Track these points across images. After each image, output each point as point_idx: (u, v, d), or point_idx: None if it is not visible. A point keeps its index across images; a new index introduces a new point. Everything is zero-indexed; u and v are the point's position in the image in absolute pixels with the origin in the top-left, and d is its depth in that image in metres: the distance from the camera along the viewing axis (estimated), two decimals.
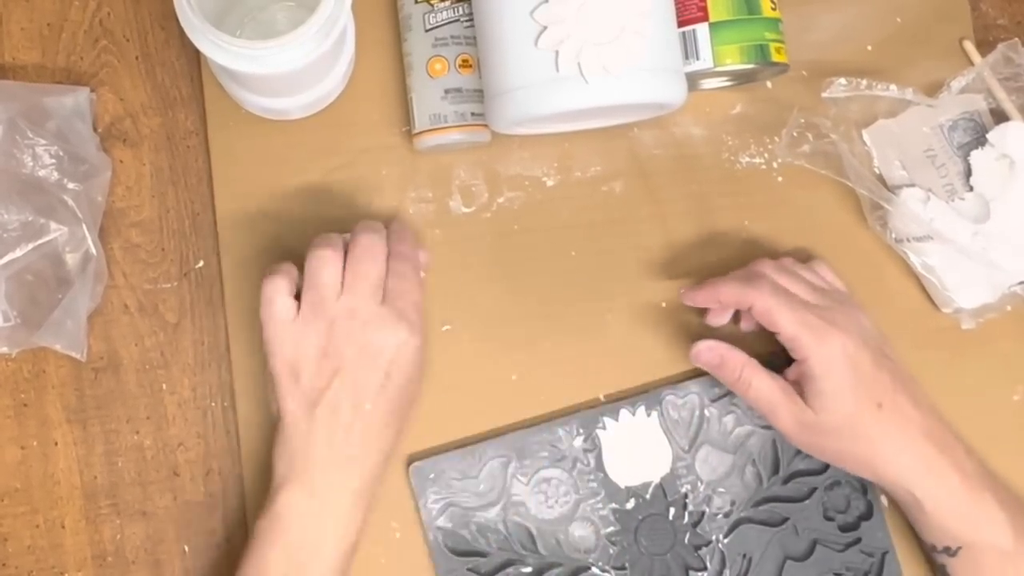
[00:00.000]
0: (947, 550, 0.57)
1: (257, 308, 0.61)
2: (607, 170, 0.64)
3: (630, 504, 0.60)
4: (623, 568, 0.60)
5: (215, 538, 0.60)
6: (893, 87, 0.62)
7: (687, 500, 0.61)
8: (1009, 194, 0.61)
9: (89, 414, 0.61)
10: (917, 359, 0.62)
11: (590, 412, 0.61)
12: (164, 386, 0.61)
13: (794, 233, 0.64)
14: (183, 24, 0.52)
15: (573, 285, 0.63)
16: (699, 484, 0.61)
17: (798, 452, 0.61)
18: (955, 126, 0.62)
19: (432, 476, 0.60)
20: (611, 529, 0.60)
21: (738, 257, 0.63)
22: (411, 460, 0.60)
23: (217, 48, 0.52)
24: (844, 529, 0.61)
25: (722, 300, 0.59)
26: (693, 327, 0.63)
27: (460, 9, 0.60)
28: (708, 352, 0.59)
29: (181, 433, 0.61)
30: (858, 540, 0.61)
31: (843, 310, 0.58)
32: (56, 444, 0.60)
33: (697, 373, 0.62)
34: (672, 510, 0.61)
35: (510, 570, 0.59)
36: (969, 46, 0.64)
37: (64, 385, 0.61)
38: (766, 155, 0.64)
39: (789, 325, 0.56)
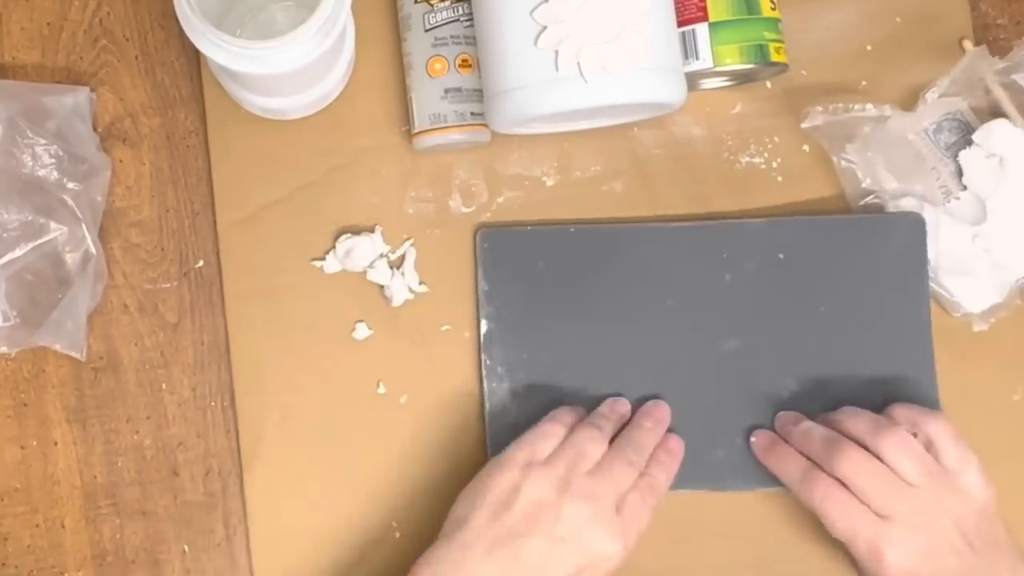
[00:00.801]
0: None
1: (257, 308, 0.61)
2: (607, 170, 0.64)
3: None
4: None
5: (215, 538, 0.60)
6: (869, 106, 0.61)
7: None
8: (1003, 191, 0.60)
9: (89, 414, 0.61)
10: None
11: None
12: (164, 386, 0.61)
13: None
14: (183, 24, 0.52)
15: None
16: None
17: None
18: (939, 128, 0.62)
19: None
20: None
21: None
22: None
23: (217, 48, 0.52)
24: None
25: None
26: None
27: (460, 9, 0.60)
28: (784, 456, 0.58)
29: (181, 433, 0.61)
30: None
31: (934, 496, 0.54)
32: (56, 444, 0.60)
33: None
34: None
35: None
36: (969, 46, 0.64)
37: (64, 385, 0.61)
38: (766, 155, 0.64)
39: (838, 531, 0.54)
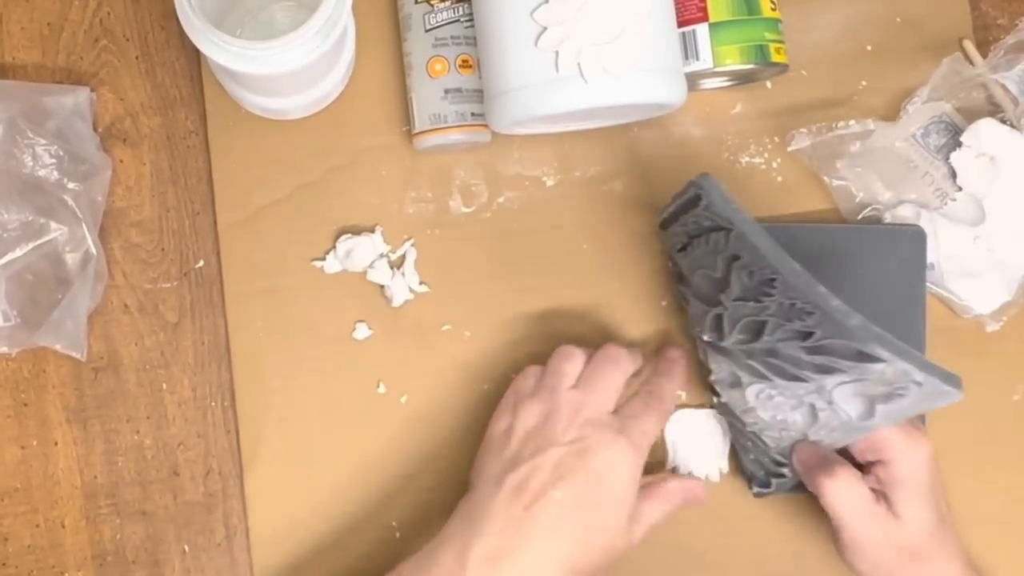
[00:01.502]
0: None
1: (257, 308, 0.61)
2: (607, 170, 0.64)
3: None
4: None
5: (215, 538, 0.60)
6: (853, 123, 0.61)
7: None
8: (997, 189, 0.60)
9: (89, 414, 0.61)
10: None
11: None
12: (164, 386, 0.61)
13: None
14: (183, 24, 0.52)
15: (573, 285, 0.63)
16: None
17: None
18: (927, 132, 0.62)
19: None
20: None
21: None
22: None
23: (217, 48, 0.52)
24: None
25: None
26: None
27: (460, 9, 0.60)
28: (808, 452, 0.56)
29: (181, 433, 0.61)
30: None
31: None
32: (56, 444, 0.60)
33: None
34: None
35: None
36: (969, 45, 0.64)
37: (64, 385, 0.61)
38: (766, 155, 0.64)
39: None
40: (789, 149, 0.62)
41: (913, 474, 0.54)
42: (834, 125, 0.61)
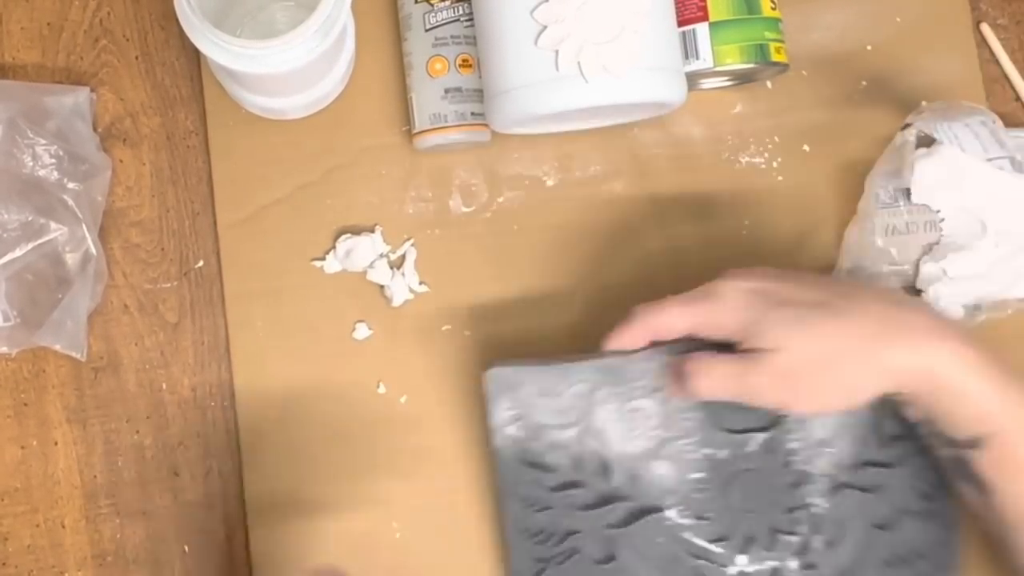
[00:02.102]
0: (972, 442, 0.51)
1: (257, 308, 0.61)
2: (607, 170, 0.64)
3: (724, 453, 0.55)
4: (703, 518, 0.55)
5: (215, 538, 0.60)
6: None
7: (792, 457, 0.55)
8: (965, 199, 0.60)
9: (89, 414, 0.61)
10: None
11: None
12: (164, 386, 0.61)
13: (794, 233, 0.64)
14: (183, 24, 0.52)
15: (573, 285, 0.63)
16: (809, 442, 0.55)
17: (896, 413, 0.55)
18: (880, 200, 0.61)
19: (510, 386, 0.56)
20: (699, 475, 0.55)
21: (738, 257, 0.63)
22: (490, 365, 0.57)
23: (217, 48, 0.52)
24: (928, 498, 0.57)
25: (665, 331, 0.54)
26: None
27: (460, 9, 0.60)
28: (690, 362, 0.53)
29: (181, 433, 0.61)
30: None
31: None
32: (56, 444, 0.60)
33: None
34: (773, 467, 0.55)
35: (574, 491, 0.55)
36: (987, 30, 0.64)
37: (64, 385, 0.61)
38: (766, 155, 0.64)
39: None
40: None
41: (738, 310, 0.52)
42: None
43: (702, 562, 0.55)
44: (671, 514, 0.55)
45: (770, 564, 0.55)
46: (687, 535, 0.55)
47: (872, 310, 0.51)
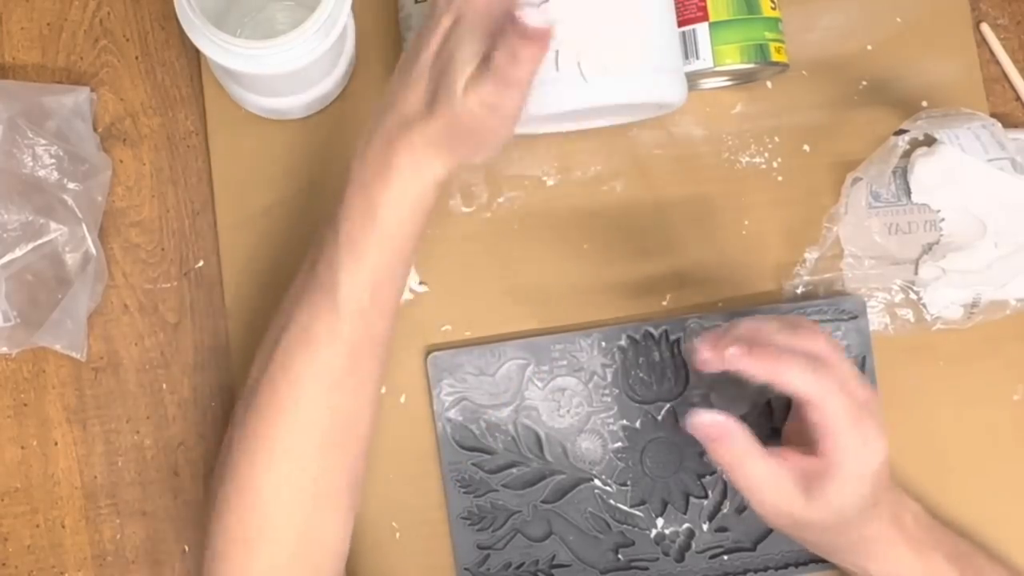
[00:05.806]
0: None
1: (257, 307, 0.61)
2: (607, 170, 0.64)
3: (639, 423, 0.60)
4: (625, 484, 0.60)
5: None
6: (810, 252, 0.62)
7: None
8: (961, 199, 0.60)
9: (89, 414, 0.61)
10: (917, 358, 0.62)
11: (613, 328, 0.61)
12: (164, 386, 0.61)
13: (794, 233, 0.64)
14: (183, 24, 0.52)
15: (573, 285, 0.63)
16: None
17: None
18: (881, 198, 0.61)
19: (449, 368, 0.60)
20: (618, 445, 0.60)
21: (738, 257, 0.63)
22: (430, 351, 0.60)
23: (217, 48, 0.52)
24: None
25: (782, 382, 0.49)
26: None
27: None
28: (712, 427, 0.50)
29: (181, 433, 0.61)
30: None
31: (877, 403, 0.51)
32: (56, 444, 0.60)
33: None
34: (682, 435, 0.57)
35: (513, 471, 0.60)
36: (987, 30, 0.64)
37: (64, 385, 0.61)
38: (766, 155, 0.64)
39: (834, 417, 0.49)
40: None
41: (855, 476, 0.49)
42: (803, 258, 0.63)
43: (627, 526, 0.60)
44: (598, 483, 0.60)
45: (687, 526, 0.60)
46: (612, 501, 0.60)
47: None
